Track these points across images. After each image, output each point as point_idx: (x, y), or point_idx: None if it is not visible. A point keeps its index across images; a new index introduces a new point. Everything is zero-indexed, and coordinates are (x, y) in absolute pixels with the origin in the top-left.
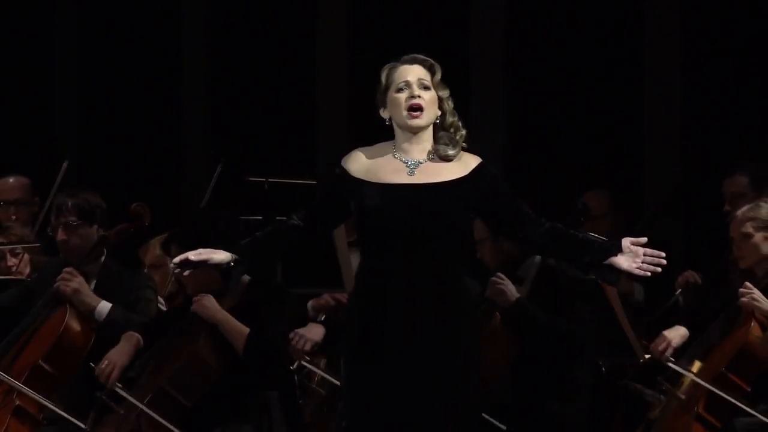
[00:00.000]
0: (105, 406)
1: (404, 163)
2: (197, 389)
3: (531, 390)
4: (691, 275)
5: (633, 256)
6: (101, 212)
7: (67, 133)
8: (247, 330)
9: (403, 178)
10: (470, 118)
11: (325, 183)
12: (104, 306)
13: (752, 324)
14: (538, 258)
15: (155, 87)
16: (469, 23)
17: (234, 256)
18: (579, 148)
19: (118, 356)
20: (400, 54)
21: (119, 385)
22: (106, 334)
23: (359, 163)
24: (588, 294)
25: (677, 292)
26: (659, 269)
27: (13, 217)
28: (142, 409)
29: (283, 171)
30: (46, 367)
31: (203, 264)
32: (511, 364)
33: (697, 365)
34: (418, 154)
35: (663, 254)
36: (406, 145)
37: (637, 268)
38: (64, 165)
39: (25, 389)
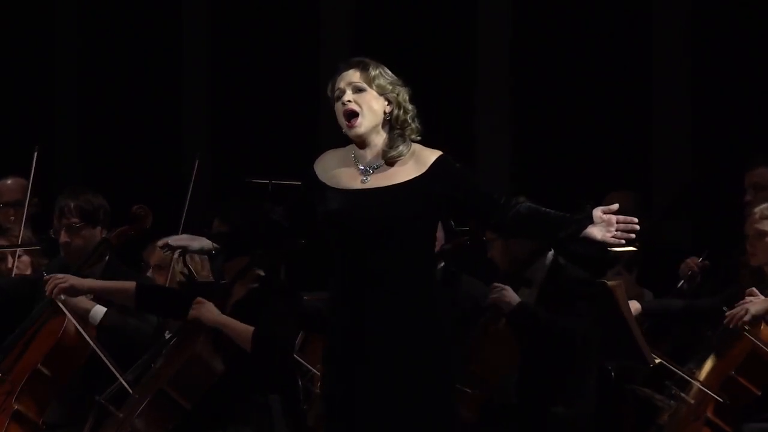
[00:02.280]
0: (104, 409)
1: (360, 169)
2: (197, 391)
3: (536, 393)
4: (693, 261)
5: (606, 226)
6: (104, 213)
7: (67, 134)
8: (251, 328)
9: (357, 184)
10: (476, 119)
11: (300, 185)
12: (99, 310)
13: (762, 327)
14: (547, 260)
15: (156, 88)
16: (476, 25)
17: (214, 245)
18: (586, 150)
19: (80, 279)
20: (404, 55)
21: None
22: (104, 339)
23: (326, 166)
24: (591, 296)
25: (681, 283)
26: (632, 235)
27: (12, 219)
28: (140, 412)
29: (286, 173)
30: (45, 370)
31: (183, 249)
32: (517, 366)
33: (707, 368)
34: (372, 157)
35: (635, 220)
36: (360, 151)
37: (611, 237)
38: (35, 153)
39: None
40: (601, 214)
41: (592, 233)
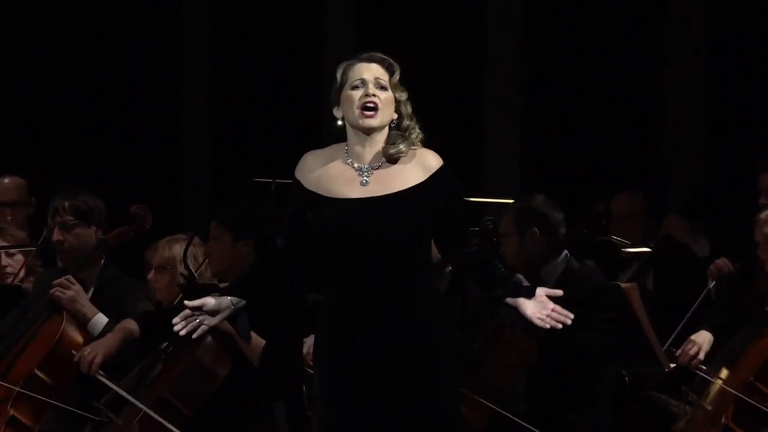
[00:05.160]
0: (102, 416)
1: (357, 170)
2: (199, 398)
3: (549, 399)
4: (724, 263)
5: (541, 306)
6: (100, 214)
7: (67, 134)
8: (262, 342)
9: (357, 190)
10: (485, 116)
11: (288, 200)
12: (100, 320)
13: None
14: (561, 261)
15: (156, 87)
16: (485, 20)
17: (234, 300)
18: (600, 150)
19: (102, 345)
20: (411, 53)
21: (103, 376)
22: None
23: (311, 173)
24: (611, 302)
25: (711, 285)
26: (560, 325)
27: (9, 219)
28: (140, 418)
29: (291, 172)
30: (42, 375)
31: (199, 311)
32: (528, 372)
33: (724, 373)
34: (371, 157)
35: (571, 316)
36: (358, 148)
37: (539, 318)
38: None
39: None
40: (543, 294)
41: (524, 306)
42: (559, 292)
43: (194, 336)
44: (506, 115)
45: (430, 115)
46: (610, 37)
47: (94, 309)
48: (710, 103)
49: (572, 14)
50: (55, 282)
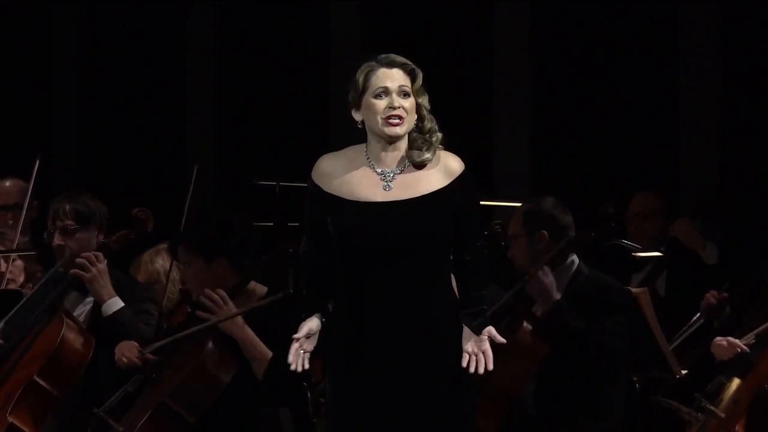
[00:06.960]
0: (103, 423)
1: (379, 174)
2: (201, 404)
3: (559, 405)
4: (712, 295)
5: (476, 344)
6: (101, 217)
7: (67, 135)
8: (269, 354)
9: (380, 194)
10: (495, 119)
11: (306, 205)
12: (115, 303)
13: None
14: (570, 264)
15: (159, 89)
16: (493, 20)
17: (319, 318)
18: (610, 153)
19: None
20: (419, 52)
21: None
22: (106, 331)
23: (330, 176)
24: (621, 306)
25: (696, 316)
26: (471, 371)
27: (10, 222)
28: (141, 426)
29: (295, 174)
30: (42, 382)
31: (312, 337)
32: (538, 377)
33: (736, 382)
34: (393, 162)
35: (490, 368)
36: (380, 154)
37: (468, 354)
38: (37, 161)
39: None
40: (486, 336)
41: (465, 337)
42: (502, 340)
43: (306, 367)
44: (515, 117)
45: (439, 117)
46: (621, 37)
47: (113, 292)
48: (724, 104)
49: (582, 15)
50: (83, 254)
